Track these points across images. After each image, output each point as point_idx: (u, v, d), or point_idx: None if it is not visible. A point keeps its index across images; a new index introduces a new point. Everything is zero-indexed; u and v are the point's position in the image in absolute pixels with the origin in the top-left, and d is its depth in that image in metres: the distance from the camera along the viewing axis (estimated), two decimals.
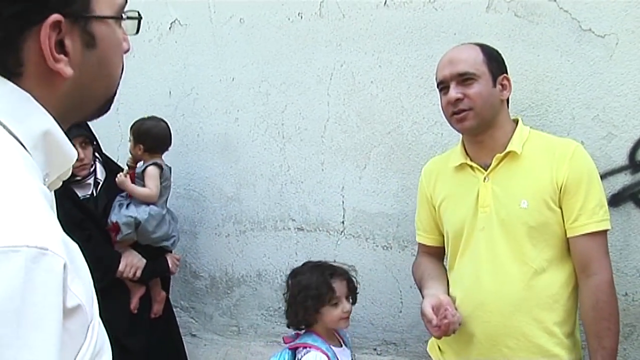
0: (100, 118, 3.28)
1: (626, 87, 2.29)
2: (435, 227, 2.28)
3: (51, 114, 0.87)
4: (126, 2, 0.97)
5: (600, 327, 1.93)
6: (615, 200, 2.34)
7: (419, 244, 2.37)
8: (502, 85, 2.02)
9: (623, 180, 2.36)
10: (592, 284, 1.95)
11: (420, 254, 2.37)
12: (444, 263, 2.31)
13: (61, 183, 0.97)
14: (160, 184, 2.88)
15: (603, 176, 2.24)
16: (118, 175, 2.81)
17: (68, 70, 0.86)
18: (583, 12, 2.29)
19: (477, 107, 1.96)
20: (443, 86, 2.04)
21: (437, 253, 2.31)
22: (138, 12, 1.00)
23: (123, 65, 1.00)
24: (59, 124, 0.88)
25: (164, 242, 2.90)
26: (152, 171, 2.86)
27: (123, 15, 0.96)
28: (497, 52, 2.07)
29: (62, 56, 0.85)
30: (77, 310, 0.75)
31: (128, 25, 0.99)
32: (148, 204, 2.82)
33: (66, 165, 0.92)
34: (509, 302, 1.97)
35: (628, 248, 2.37)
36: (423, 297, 2.07)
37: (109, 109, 1.03)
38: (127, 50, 1.00)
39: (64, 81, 0.87)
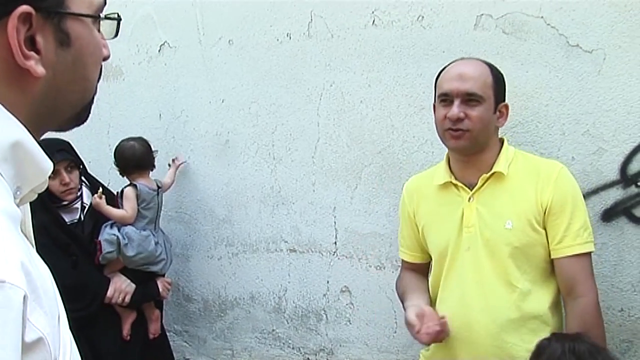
0: (91, 141, 3.27)
1: (615, 101, 2.28)
2: (417, 245, 2.25)
3: (23, 123, 0.80)
4: (105, 3, 0.91)
5: None
6: (607, 216, 2.33)
7: (403, 260, 2.36)
8: (500, 112, 2.01)
9: (615, 195, 2.34)
10: (578, 306, 1.95)
11: (403, 270, 2.35)
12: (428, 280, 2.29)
13: (36, 195, 0.89)
14: (139, 205, 2.86)
15: (595, 191, 2.23)
16: (93, 197, 2.79)
17: (39, 69, 0.80)
18: (570, 28, 2.29)
19: (475, 131, 1.94)
20: (445, 98, 1.99)
21: (421, 269, 2.30)
22: (117, 14, 0.94)
23: (101, 72, 0.94)
24: (31, 134, 0.82)
25: (148, 265, 2.87)
26: (127, 192, 2.87)
27: (101, 15, 0.90)
28: (503, 76, 2.05)
29: (32, 53, 0.79)
30: (38, 344, 0.70)
31: (106, 28, 0.93)
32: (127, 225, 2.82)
33: (41, 178, 0.85)
34: (496, 322, 1.95)
35: (622, 263, 2.35)
36: (405, 309, 2.05)
37: (86, 118, 0.95)
38: (107, 57, 0.94)
39: (36, 82, 0.81)
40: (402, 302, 2.18)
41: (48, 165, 0.85)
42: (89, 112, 0.95)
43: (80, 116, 0.94)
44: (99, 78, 0.94)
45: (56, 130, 0.95)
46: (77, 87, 0.89)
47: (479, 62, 2.04)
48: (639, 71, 2.20)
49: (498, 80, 2.00)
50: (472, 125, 1.93)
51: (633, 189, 2.34)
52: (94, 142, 3.51)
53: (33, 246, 0.86)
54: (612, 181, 2.34)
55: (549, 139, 2.40)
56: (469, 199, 2.02)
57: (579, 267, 1.95)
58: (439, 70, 2.15)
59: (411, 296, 2.11)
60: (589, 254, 1.98)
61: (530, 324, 1.94)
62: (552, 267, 1.99)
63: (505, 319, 1.94)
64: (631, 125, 2.29)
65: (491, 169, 2.00)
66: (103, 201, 2.78)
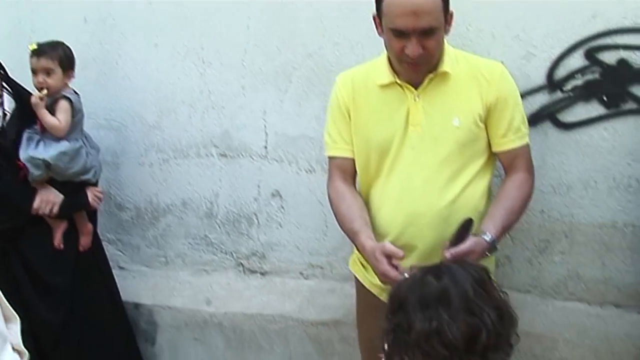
0: (11, 45, 3.06)
1: (546, 6, 2.29)
2: (351, 138, 2.18)
3: None
4: None
5: (515, 204, 2.04)
6: (533, 120, 2.38)
7: (334, 159, 2.23)
8: (447, 21, 1.94)
9: (541, 99, 2.39)
10: (520, 173, 2.09)
11: (337, 177, 2.22)
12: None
13: None
14: (73, 117, 2.74)
15: (522, 96, 2.26)
16: (33, 96, 2.64)
17: None
18: None
19: (433, 58, 1.95)
20: (400, 34, 1.88)
21: (352, 168, 2.21)
22: None
23: None
24: None
25: (82, 176, 2.79)
26: (63, 104, 2.71)
27: None
28: None
29: None
30: None
31: None
32: (59, 140, 2.68)
33: None
34: (441, 215, 2.02)
35: (545, 166, 2.42)
36: (361, 248, 2.02)
37: None
38: None
39: None
40: (350, 232, 2.10)
41: None
42: None
43: None
44: None
45: None
46: None
47: None
48: None
49: None
50: (431, 56, 1.93)
51: (559, 94, 2.39)
52: (13, 47, 3.35)
53: None
54: (539, 86, 2.39)
55: (479, 42, 2.41)
56: (415, 98, 2.02)
57: (521, 152, 2.09)
58: None
59: (362, 228, 2.04)
60: (527, 144, 2.10)
61: (469, 212, 1.98)
62: (489, 158, 2.10)
63: (446, 212, 2.01)
64: (560, 30, 2.31)
65: (436, 68, 2.00)
66: (43, 103, 2.64)
